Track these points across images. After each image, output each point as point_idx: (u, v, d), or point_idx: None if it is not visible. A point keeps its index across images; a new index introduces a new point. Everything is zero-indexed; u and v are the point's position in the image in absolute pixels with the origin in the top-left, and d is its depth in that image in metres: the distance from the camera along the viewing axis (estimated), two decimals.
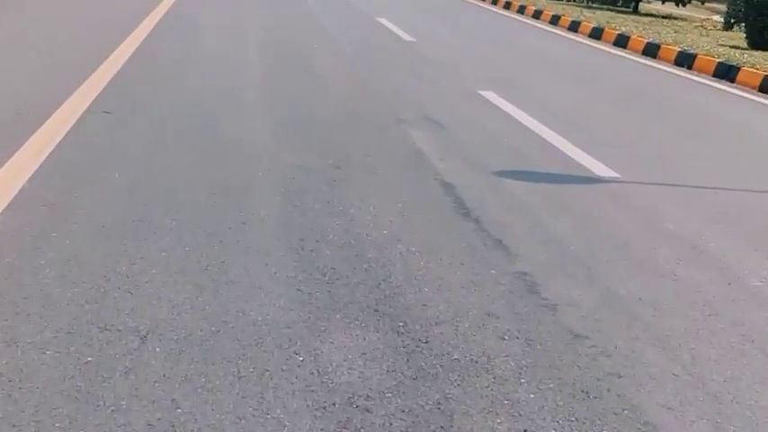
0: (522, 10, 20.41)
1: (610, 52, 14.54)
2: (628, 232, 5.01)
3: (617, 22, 18.23)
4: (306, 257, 4.09)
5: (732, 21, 21.04)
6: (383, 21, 15.17)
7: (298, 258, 4.07)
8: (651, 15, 23.25)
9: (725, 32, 19.72)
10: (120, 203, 4.57)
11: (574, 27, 17.47)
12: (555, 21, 18.40)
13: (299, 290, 3.73)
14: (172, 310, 3.42)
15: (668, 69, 13.00)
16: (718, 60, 12.71)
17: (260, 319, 3.42)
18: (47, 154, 5.31)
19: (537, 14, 19.45)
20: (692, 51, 13.57)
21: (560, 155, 6.70)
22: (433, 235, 4.58)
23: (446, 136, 6.95)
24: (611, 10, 23.13)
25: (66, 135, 5.78)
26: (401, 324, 3.51)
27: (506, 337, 3.49)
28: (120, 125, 6.26)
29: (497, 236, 4.66)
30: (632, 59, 13.78)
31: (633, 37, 15.35)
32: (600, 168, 6.36)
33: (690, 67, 13.07)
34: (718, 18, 24.18)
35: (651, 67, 13.15)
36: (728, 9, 21.26)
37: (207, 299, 3.54)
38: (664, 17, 22.90)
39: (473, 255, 4.35)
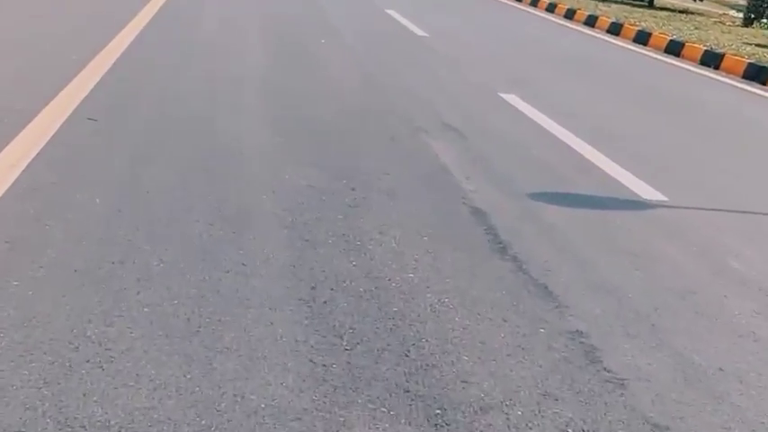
0: (534, 2, 19.65)
1: (632, 50, 13.80)
2: (690, 275, 4.31)
3: (635, 17, 17.51)
4: (318, 312, 3.40)
5: (752, 16, 20.31)
6: (392, 13, 14.43)
7: (309, 314, 3.38)
8: (667, 9, 22.49)
9: (745, 29, 18.97)
10: (98, 239, 3.87)
11: (590, 22, 16.73)
12: (570, 15, 17.66)
13: (311, 360, 3.04)
14: (152, 393, 2.72)
15: (694, 69, 12.28)
16: (748, 61, 11.99)
17: (263, 406, 2.73)
18: (19, 172, 4.61)
19: (551, 8, 18.70)
20: (719, 51, 12.86)
21: (598, 172, 6.00)
22: (467, 279, 3.89)
23: (470, 148, 6.25)
24: (627, 3, 22.36)
25: (43, 148, 5.08)
26: (438, 411, 2.82)
27: (570, 430, 2.80)
28: (105, 134, 5.56)
29: (541, 280, 3.97)
30: (656, 58, 13.05)
31: (655, 34, 14.62)
32: (644, 189, 5.66)
33: (717, 68, 12.35)
34: (735, 13, 23.44)
35: (677, 66, 12.42)
36: (748, 4, 20.50)
37: (196, 376, 2.85)
38: (681, 11, 22.14)
39: (516, 307, 3.66)
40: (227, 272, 3.67)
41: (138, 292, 3.38)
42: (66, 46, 8.45)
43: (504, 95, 8.41)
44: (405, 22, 13.46)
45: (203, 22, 11.26)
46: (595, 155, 6.42)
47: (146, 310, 3.25)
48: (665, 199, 5.50)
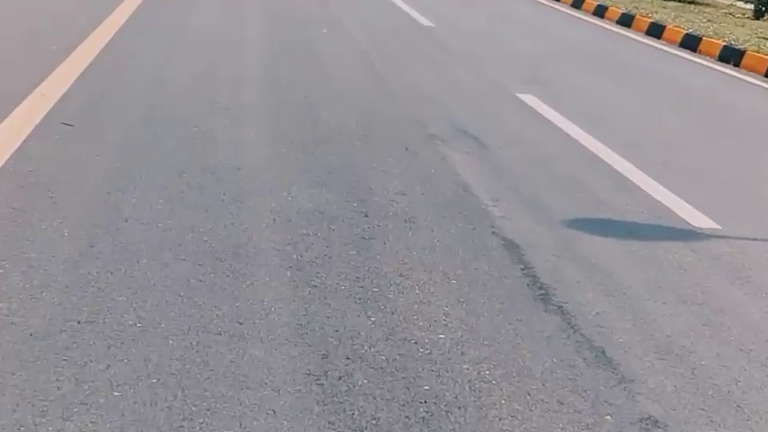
0: None
1: (646, 44, 13.07)
2: None
3: (645, 8, 16.79)
4: (332, 394, 2.73)
5: (763, 8, 19.61)
6: (396, 1, 13.67)
7: (320, 396, 2.71)
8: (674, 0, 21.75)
9: (758, 22, 18.27)
10: (63, 287, 3.18)
11: (600, 12, 16.01)
12: (578, 4, 16.92)
13: None
14: None
15: (713, 66, 11.57)
16: None
17: None
18: None
19: None
20: (739, 47, 12.16)
21: (636, 192, 5.33)
22: (510, 341, 3.22)
23: (492, 161, 5.57)
24: None
25: (5, 164, 4.37)
26: None
27: None
28: (79, 145, 4.86)
29: (596, 340, 3.30)
30: (674, 53, 12.32)
31: (669, 27, 13.90)
32: (692, 214, 5.00)
33: (737, 65, 11.66)
34: (743, 4, 22.73)
35: (698, 63, 11.69)
36: None
37: None
38: (689, 2, 21.42)
39: (573, 382, 2.99)
40: (220, 334, 2.99)
41: (108, 367, 2.70)
42: (45, 35, 7.72)
43: (521, 96, 7.73)
44: (409, 10, 12.71)
45: (200, 9, 10.51)
46: (630, 170, 5.75)
47: (116, 393, 2.57)
48: (718, 227, 4.84)
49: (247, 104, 6.27)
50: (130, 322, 2.98)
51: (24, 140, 4.75)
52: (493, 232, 4.30)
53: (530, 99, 7.65)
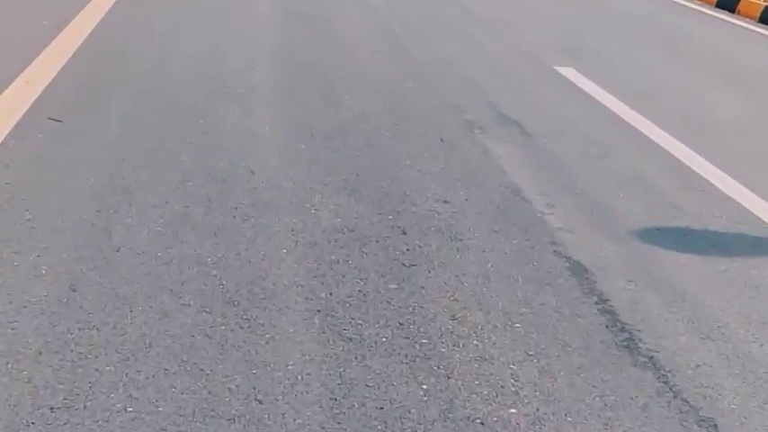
0: None
1: (714, 17, 11.87)
2: None
3: None
4: None
5: None
6: None
7: None
8: None
9: None
10: (34, 359, 2.52)
11: None
12: None
13: None
14: None
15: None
16: None
17: None
18: None
19: None
20: None
21: (710, 190, 4.64)
22: (597, 412, 2.56)
23: (540, 154, 4.87)
24: None
25: None
26: None
27: None
28: (66, 147, 4.18)
29: (704, 409, 2.66)
30: (747, 28, 11.02)
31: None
32: None
33: None
34: None
35: (755, 32, 10.69)
36: None
37: None
38: None
39: None
40: (233, 420, 2.34)
41: None
42: (36, 7, 7.00)
43: (560, 70, 7.00)
44: None
45: None
46: (697, 161, 5.05)
47: None
48: None
49: (260, 88, 5.56)
50: (119, 406, 2.32)
51: (2, 142, 4.07)
52: (555, 251, 3.61)
53: (570, 73, 6.93)
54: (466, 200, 4.07)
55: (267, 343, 2.71)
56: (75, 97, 4.89)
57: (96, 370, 2.46)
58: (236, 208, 3.67)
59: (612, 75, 7.03)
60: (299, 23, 7.66)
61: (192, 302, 2.88)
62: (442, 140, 4.91)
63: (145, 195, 3.68)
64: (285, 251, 3.34)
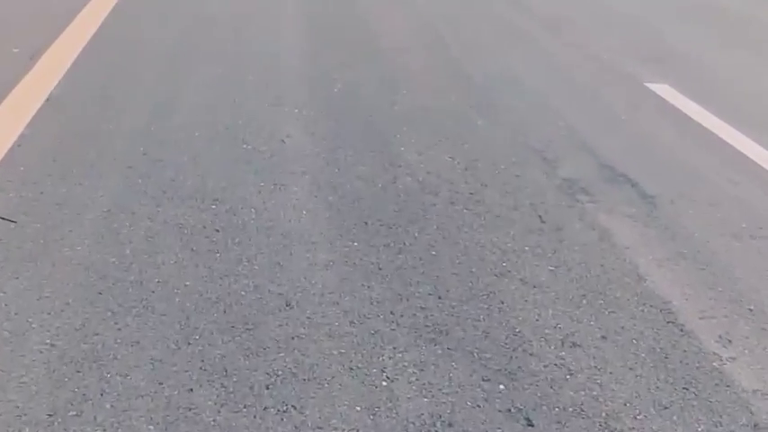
0: None
1: None
2: None
3: None
4: None
5: None
6: None
7: None
8: None
9: None
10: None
11: None
12: None
13: None
14: None
15: None
16: None
17: None
18: None
19: None
20: None
21: None
22: None
23: (676, 233, 3.62)
24: None
25: None
26: None
27: None
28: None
29: None
30: None
31: None
32: None
33: None
34: None
35: None
36: None
37: None
38: None
39: None
40: None
41: None
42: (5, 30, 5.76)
43: (653, 87, 5.69)
44: None
45: None
46: None
47: None
48: None
49: (289, 142, 4.28)
50: None
51: None
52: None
53: (665, 92, 5.64)
54: (603, 338, 2.79)
55: None
56: (45, 170, 3.63)
57: None
58: (249, 309, 2.40)
59: (719, 93, 5.71)
60: (329, 28, 6.35)
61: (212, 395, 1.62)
62: (540, 218, 3.62)
63: (142, 226, 2.42)
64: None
